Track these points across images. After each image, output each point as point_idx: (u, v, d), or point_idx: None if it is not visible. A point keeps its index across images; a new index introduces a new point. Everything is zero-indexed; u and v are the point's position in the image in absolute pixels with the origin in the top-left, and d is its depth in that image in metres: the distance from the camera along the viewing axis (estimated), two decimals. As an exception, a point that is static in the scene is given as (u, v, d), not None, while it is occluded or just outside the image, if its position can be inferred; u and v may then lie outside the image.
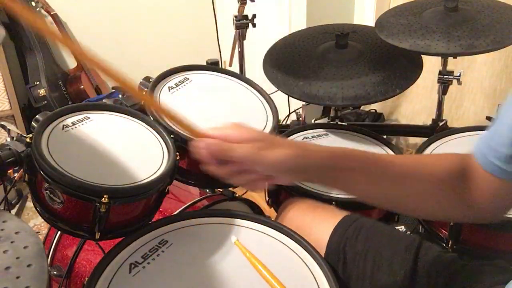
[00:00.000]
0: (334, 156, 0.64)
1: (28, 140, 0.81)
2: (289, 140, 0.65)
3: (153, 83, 1.06)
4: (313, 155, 0.63)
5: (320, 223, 0.89)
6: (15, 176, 0.93)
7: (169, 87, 1.09)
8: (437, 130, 1.41)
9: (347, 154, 0.65)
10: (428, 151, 1.18)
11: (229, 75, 1.20)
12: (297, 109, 1.64)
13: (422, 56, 1.32)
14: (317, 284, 0.76)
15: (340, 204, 1.03)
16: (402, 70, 1.27)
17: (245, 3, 1.49)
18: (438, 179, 0.65)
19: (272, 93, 1.19)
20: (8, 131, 0.98)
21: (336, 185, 0.69)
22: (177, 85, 1.10)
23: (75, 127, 0.90)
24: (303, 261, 0.81)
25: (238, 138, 0.62)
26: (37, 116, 0.89)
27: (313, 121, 1.90)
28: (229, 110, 1.11)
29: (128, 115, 0.99)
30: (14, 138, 0.90)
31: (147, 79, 1.09)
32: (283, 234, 0.86)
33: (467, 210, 0.66)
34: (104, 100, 1.10)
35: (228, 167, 0.63)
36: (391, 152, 1.22)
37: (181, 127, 0.69)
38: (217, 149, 0.62)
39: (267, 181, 0.65)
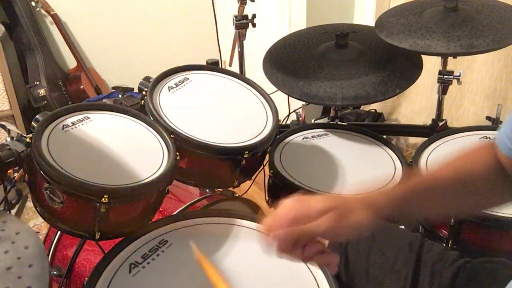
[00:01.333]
0: (399, 201, 0.64)
1: (28, 140, 0.81)
2: (355, 197, 0.64)
3: (153, 83, 1.06)
4: (383, 209, 0.63)
5: None
6: (15, 176, 0.93)
7: (169, 87, 1.09)
8: (437, 130, 1.41)
9: (408, 192, 0.65)
10: (428, 151, 1.18)
11: (229, 75, 1.20)
12: (297, 109, 1.64)
13: (422, 56, 1.32)
14: (317, 284, 0.76)
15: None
16: (402, 70, 1.27)
17: (245, 3, 1.49)
18: (489, 178, 0.65)
19: (272, 93, 1.19)
20: (8, 131, 0.98)
21: (418, 216, 0.73)
22: (177, 85, 1.10)
23: (75, 127, 0.90)
24: (303, 261, 0.81)
25: (309, 217, 0.59)
26: (37, 116, 0.89)
27: (313, 121, 1.90)
28: (229, 110, 1.11)
29: (128, 115, 0.99)
30: (14, 138, 0.90)
31: (147, 79, 1.09)
32: (283, 234, 0.86)
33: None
34: (104, 100, 1.10)
35: (306, 250, 0.60)
36: (390, 152, 1.22)
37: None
38: (297, 235, 0.58)
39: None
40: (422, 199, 0.65)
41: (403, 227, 1.41)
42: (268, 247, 0.59)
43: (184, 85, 1.11)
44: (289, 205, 0.61)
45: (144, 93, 1.05)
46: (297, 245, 0.59)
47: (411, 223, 0.78)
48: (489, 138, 1.19)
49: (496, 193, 0.66)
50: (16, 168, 0.88)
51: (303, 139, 1.30)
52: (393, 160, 1.19)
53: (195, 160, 1.02)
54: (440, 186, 0.65)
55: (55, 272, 1.05)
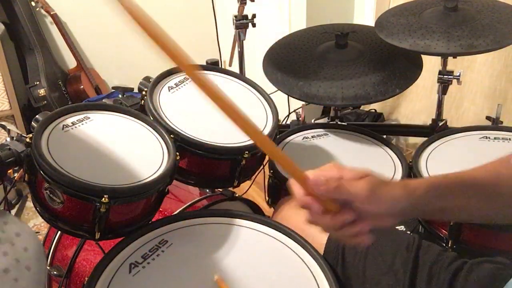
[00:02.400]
0: (437, 187, 0.61)
1: (28, 140, 0.81)
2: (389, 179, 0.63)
3: (153, 83, 1.06)
4: (418, 191, 0.60)
5: None
6: (15, 176, 0.93)
7: (169, 87, 1.09)
8: (437, 130, 1.40)
9: (447, 183, 0.62)
10: (428, 151, 1.18)
11: (229, 75, 1.20)
12: (297, 109, 1.64)
13: (422, 56, 1.32)
14: (317, 284, 0.76)
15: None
16: (402, 70, 1.27)
17: (245, 3, 1.49)
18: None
19: (272, 93, 1.19)
20: (8, 131, 0.98)
21: (444, 215, 0.67)
22: (177, 85, 1.10)
23: (75, 127, 0.90)
24: (303, 261, 0.81)
25: (351, 176, 0.58)
26: (37, 116, 0.89)
27: (313, 121, 1.90)
28: (229, 110, 1.11)
29: (128, 115, 0.99)
30: (14, 138, 0.90)
31: (147, 79, 1.09)
32: (283, 234, 0.87)
33: None
34: (104, 100, 1.10)
35: (337, 216, 0.58)
36: (390, 152, 1.22)
37: (286, 169, 0.60)
38: (335, 186, 0.57)
39: (373, 226, 0.59)
40: (459, 193, 0.61)
41: (402, 227, 1.41)
42: (301, 206, 0.58)
43: (184, 85, 1.11)
44: (325, 168, 0.59)
45: (144, 93, 1.05)
46: (327, 210, 0.57)
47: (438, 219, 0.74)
48: (489, 138, 1.19)
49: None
50: (16, 168, 0.88)
51: (303, 139, 1.30)
52: (393, 160, 1.19)
53: (195, 160, 1.02)
54: (476, 184, 0.62)
55: (55, 272, 1.05)
